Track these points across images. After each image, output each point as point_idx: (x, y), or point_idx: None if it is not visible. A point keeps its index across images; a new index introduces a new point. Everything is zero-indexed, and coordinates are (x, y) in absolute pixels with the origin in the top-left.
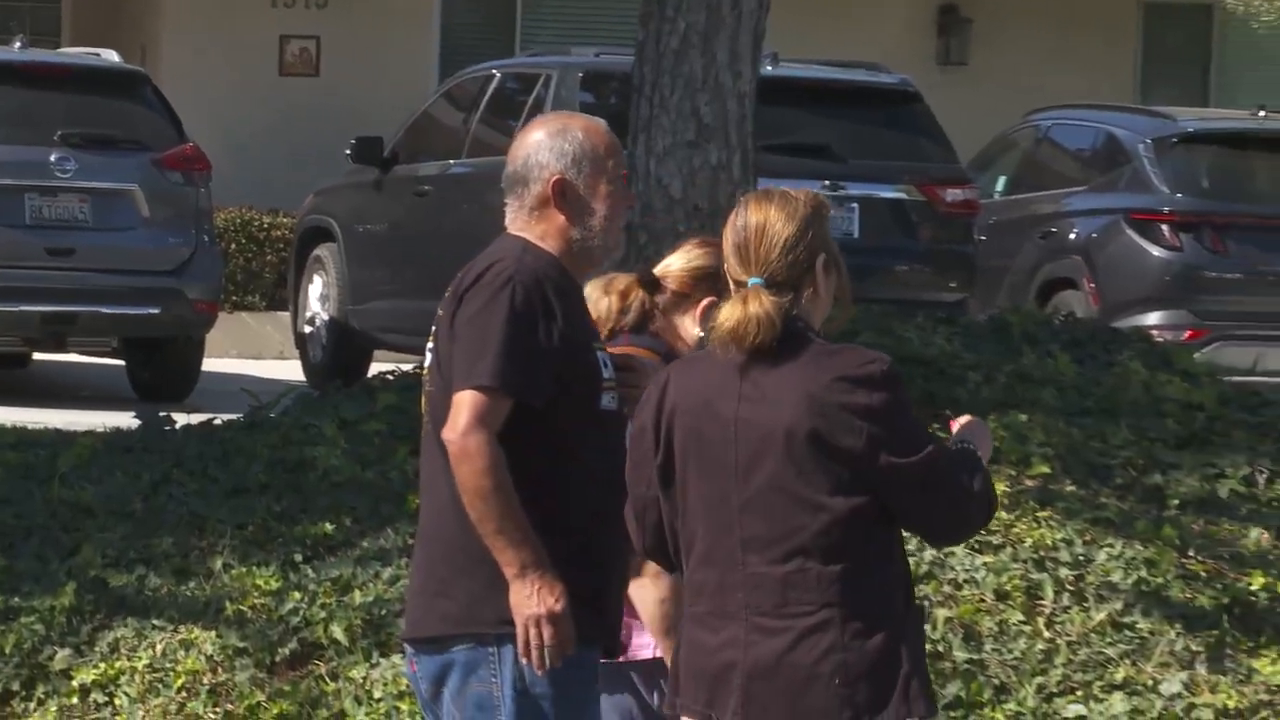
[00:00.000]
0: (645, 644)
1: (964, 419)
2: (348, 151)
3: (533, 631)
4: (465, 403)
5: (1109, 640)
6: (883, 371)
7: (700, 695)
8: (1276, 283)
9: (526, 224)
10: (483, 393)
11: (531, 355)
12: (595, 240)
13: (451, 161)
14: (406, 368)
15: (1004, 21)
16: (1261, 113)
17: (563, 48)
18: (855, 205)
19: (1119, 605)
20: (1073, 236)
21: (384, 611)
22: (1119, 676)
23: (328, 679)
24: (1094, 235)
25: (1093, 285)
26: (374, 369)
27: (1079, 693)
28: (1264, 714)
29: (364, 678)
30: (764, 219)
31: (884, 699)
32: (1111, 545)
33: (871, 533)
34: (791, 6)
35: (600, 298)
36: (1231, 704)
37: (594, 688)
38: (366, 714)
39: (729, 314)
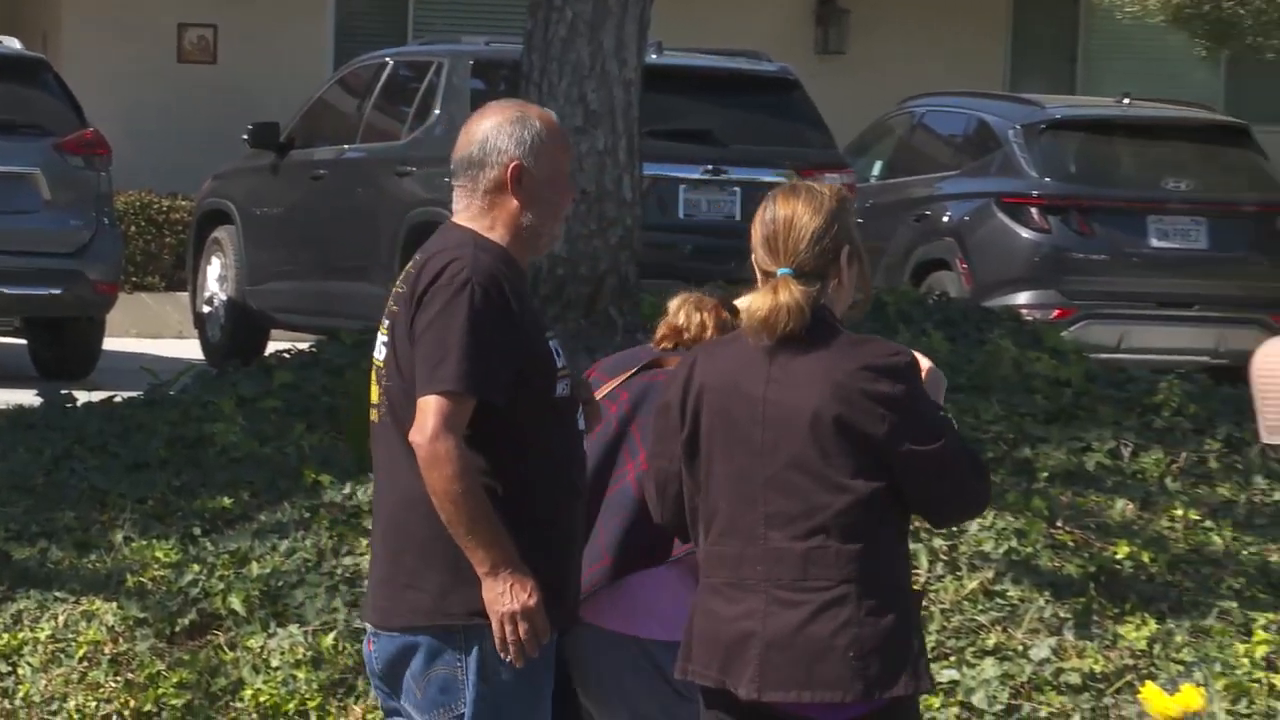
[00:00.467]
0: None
1: (924, 365)
2: (245, 137)
3: (508, 628)
4: (431, 408)
5: (981, 608)
6: (906, 363)
7: (714, 663)
8: (1141, 263)
9: (478, 212)
10: (447, 397)
11: (493, 354)
12: (544, 229)
13: (346, 146)
14: (303, 347)
15: (880, 13)
16: (1126, 100)
17: (454, 36)
18: (737, 189)
19: (990, 574)
20: (946, 219)
21: (281, 583)
22: (990, 642)
23: (226, 649)
24: (966, 218)
25: (965, 266)
26: (271, 348)
27: (952, 658)
28: (1129, 678)
29: (261, 647)
30: (792, 212)
31: (894, 672)
32: (984, 517)
33: (887, 515)
34: None
35: (692, 312)
36: (1098, 668)
37: (551, 669)
38: (264, 682)
39: (760, 303)
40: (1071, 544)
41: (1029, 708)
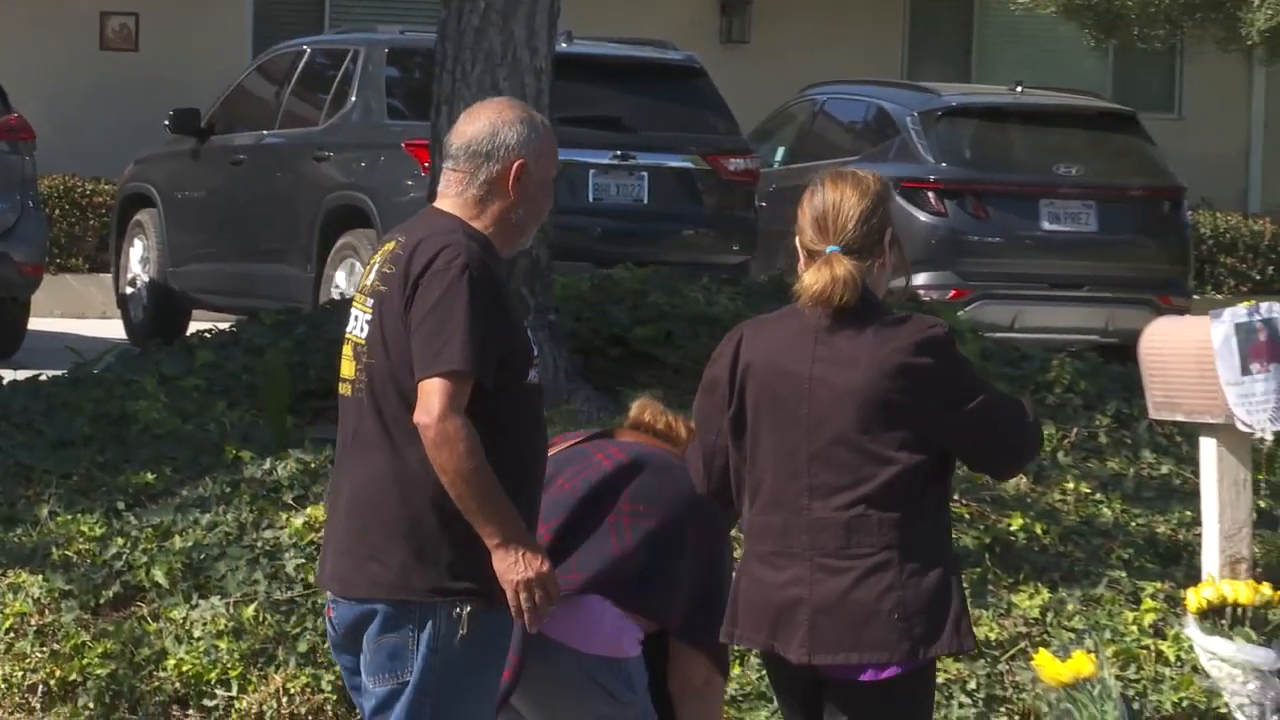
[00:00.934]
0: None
1: None
2: (166, 122)
3: (523, 595)
4: (437, 389)
5: None
6: (943, 334)
7: (762, 628)
8: (1033, 246)
9: (470, 201)
10: (452, 379)
11: (487, 337)
12: (528, 228)
13: (265, 132)
14: (223, 327)
15: (782, 3)
16: (1019, 88)
17: (369, 25)
18: (644, 174)
19: None
20: None
21: (203, 556)
22: None
23: (149, 619)
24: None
25: None
26: (192, 328)
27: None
28: (1022, 645)
29: (184, 618)
30: (840, 195)
31: (937, 632)
32: None
33: (928, 485)
34: None
35: (659, 413)
36: (993, 635)
37: (505, 646)
38: (186, 652)
39: (815, 278)
40: (968, 516)
41: None
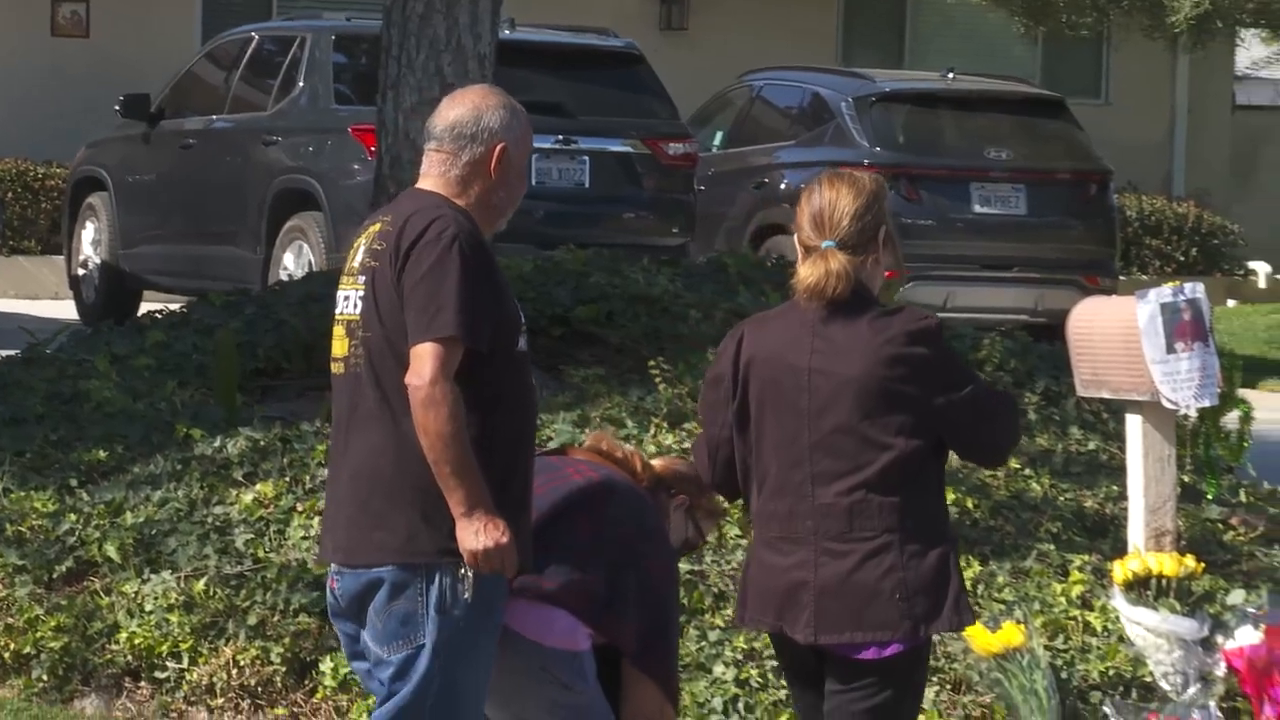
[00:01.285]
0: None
1: None
2: (117, 107)
3: (482, 563)
4: (429, 353)
5: None
6: (934, 326)
7: (769, 610)
8: (964, 228)
9: (454, 180)
10: (443, 344)
11: (480, 305)
12: (506, 209)
13: (214, 117)
14: (174, 307)
15: None
16: (950, 75)
17: (316, 12)
18: (586, 158)
19: None
20: (783, 186)
21: (154, 531)
22: None
23: (102, 594)
24: (802, 185)
25: None
26: (143, 309)
27: None
28: None
29: (136, 592)
30: (836, 194)
31: (937, 611)
32: None
33: (925, 468)
34: None
35: (614, 445)
36: None
37: (502, 606)
38: (138, 625)
39: (810, 272)
40: None
41: None
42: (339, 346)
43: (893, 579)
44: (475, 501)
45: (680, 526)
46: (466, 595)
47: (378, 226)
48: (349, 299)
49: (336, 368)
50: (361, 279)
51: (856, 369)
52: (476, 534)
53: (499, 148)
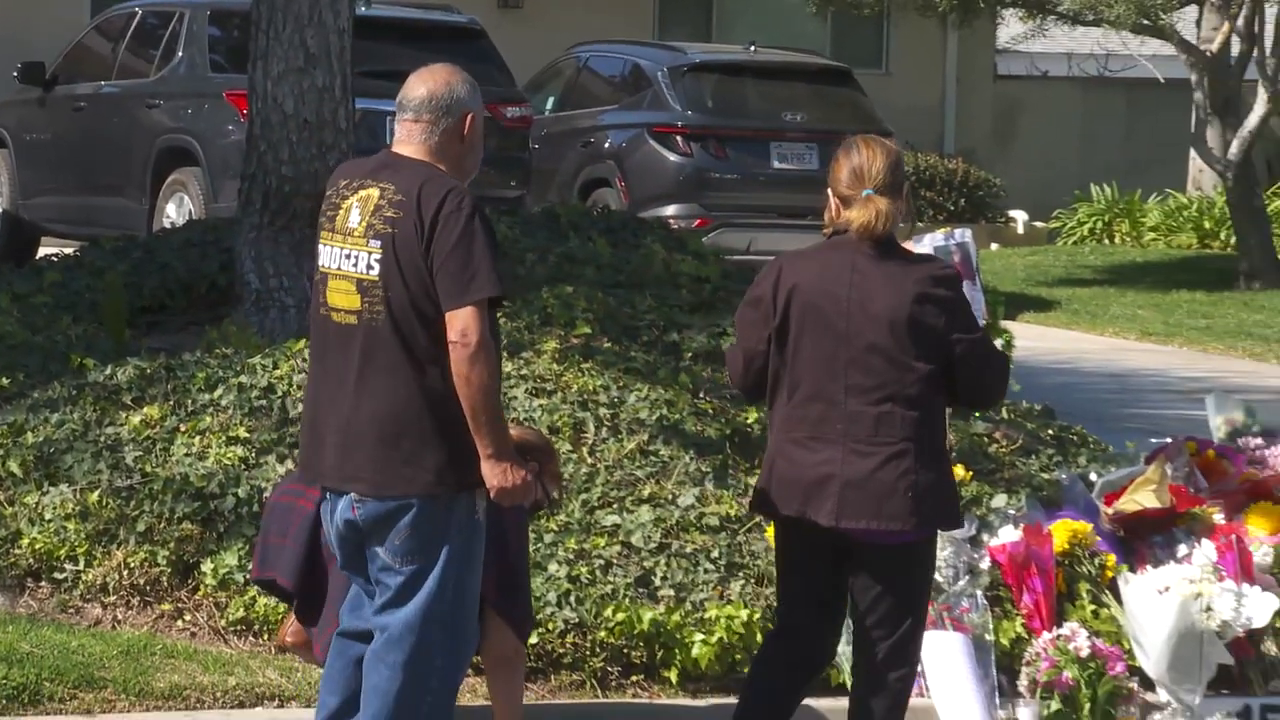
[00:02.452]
0: None
1: None
2: (15, 74)
3: (506, 499)
4: (471, 315)
5: (638, 464)
6: (954, 274)
7: (795, 499)
8: (765, 182)
9: (432, 148)
10: (481, 306)
11: (499, 262)
12: (473, 170)
13: (103, 83)
14: (68, 251)
15: None
16: (752, 48)
17: None
18: None
19: (645, 436)
20: (607, 145)
21: (52, 449)
22: (646, 492)
23: (6, 505)
24: (623, 144)
25: (623, 184)
26: (41, 253)
27: (614, 506)
28: (757, 519)
29: (36, 503)
30: (873, 152)
31: (939, 511)
32: (640, 389)
33: (937, 393)
34: None
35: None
36: (732, 512)
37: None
38: (39, 532)
39: (860, 213)
40: (711, 411)
41: (677, 545)
42: (347, 300)
43: (907, 480)
44: (502, 445)
45: (531, 489)
46: (479, 517)
47: (375, 191)
48: (353, 258)
49: (344, 319)
50: (375, 243)
51: (890, 302)
52: (504, 474)
53: (469, 117)
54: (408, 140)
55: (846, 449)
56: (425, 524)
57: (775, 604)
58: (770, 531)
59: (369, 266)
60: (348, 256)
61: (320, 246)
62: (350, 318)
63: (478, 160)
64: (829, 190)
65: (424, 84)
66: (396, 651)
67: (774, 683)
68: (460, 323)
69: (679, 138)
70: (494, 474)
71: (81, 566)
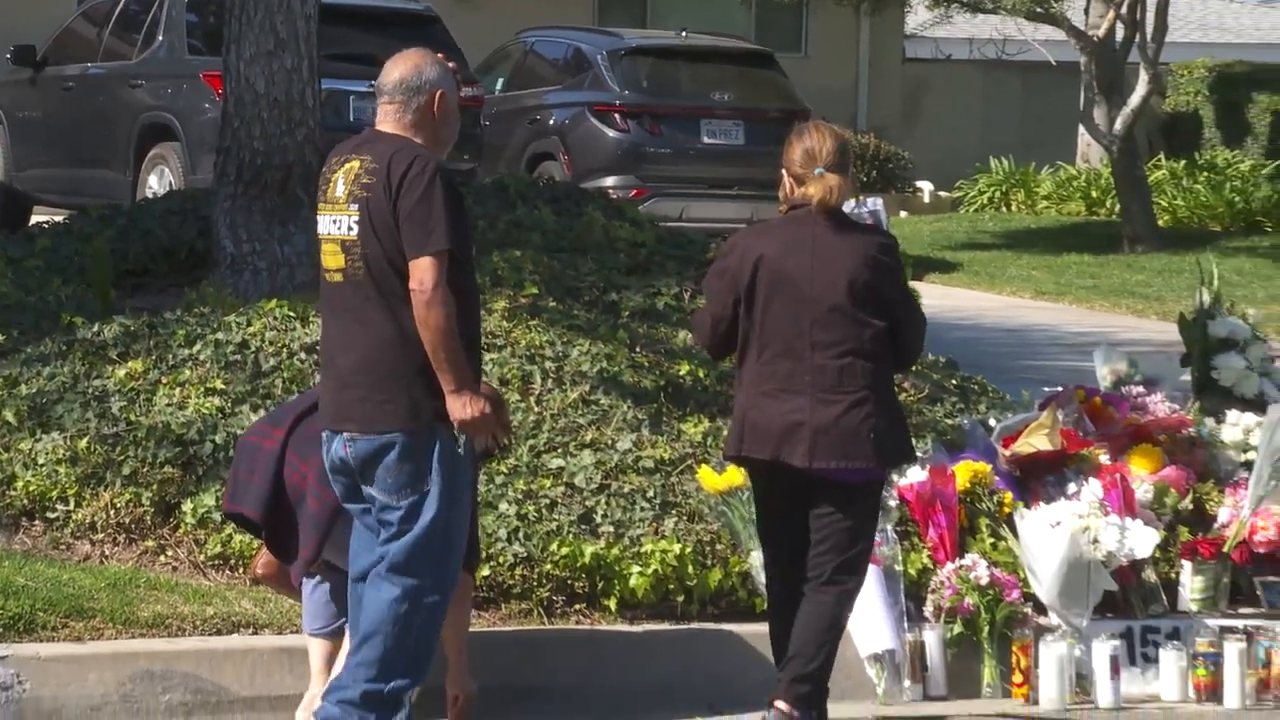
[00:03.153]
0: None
1: None
2: (8, 55)
3: (469, 429)
4: (429, 264)
5: (580, 413)
6: (896, 243)
7: (769, 444)
8: (696, 155)
9: (407, 124)
10: (438, 256)
11: (457, 221)
12: (448, 142)
13: (89, 65)
14: (59, 219)
15: None
16: (684, 33)
17: None
18: None
19: (587, 387)
20: (552, 123)
21: (44, 400)
22: (588, 438)
23: (2, 450)
24: (566, 121)
25: (566, 158)
26: (34, 220)
27: (559, 450)
28: (689, 462)
29: (30, 449)
30: (823, 136)
31: (897, 450)
32: (582, 344)
33: (886, 345)
34: None
35: None
36: (667, 455)
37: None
38: (32, 475)
39: (817, 189)
40: (647, 364)
41: (616, 486)
42: (335, 260)
43: (869, 424)
44: (463, 380)
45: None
46: (460, 450)
47: (356, 163)
48: (338, 222)
49: (333, 277)
50: (354, 206)
51: (848, 266)
52: (464, 406)
53: (438, 94)
54: (385, 119)
55: (814, 399)
56: (410, 459)
57: (702, 539)
58: (702, 473)
59: (349, 228)
60: (334, 222)
61: (317, 216)
62: (338, 275)
63: (453, 131)
64: (783, 170)
65: (396, 68)
66: (395, 570)
67: (784, 594)
68: (419, 272)
69: (617, 115)
70: (455, 406)
71: (72, 507)
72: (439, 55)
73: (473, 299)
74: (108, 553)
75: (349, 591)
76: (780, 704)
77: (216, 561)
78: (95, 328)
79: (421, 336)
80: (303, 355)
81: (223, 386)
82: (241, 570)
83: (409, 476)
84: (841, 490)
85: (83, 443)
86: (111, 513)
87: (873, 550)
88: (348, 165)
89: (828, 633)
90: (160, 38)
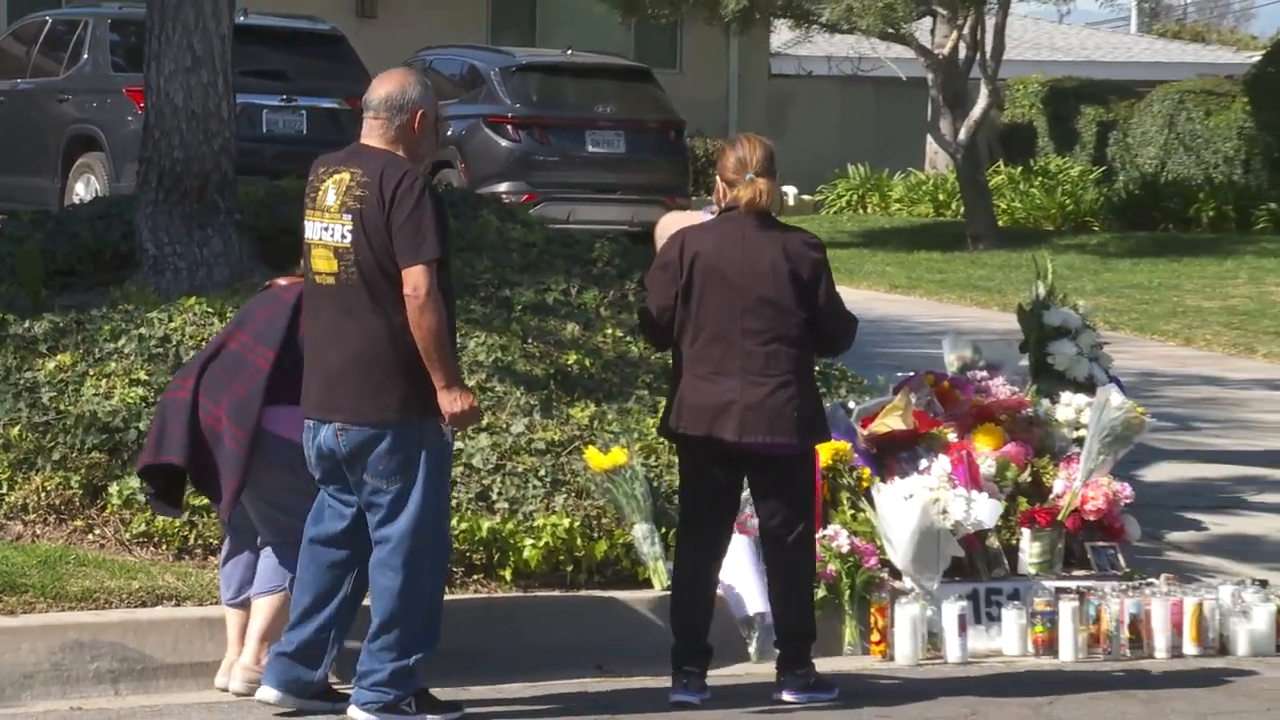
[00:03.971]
0: None
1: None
2: None
3: (457, 423)
4: (422, 272)
5: (478, 399)
6: (820, 241)
7: (703, 421)
8: (581, 163)
9: (390, 140)
10: (430, 264)
11: (443, 230)
12: (427, 155)
13: (19, 80)
14: None
15: None
16: (569, 51)
17: (96, 2)
18: (304, 112)
19: (484, 375)
20: (449, 133)
21: None
22: (484, 422)
23: None
24: (463, 132)
25: (463, 165)
26: None
27: (458, 434)
28: (577, 444)
29: None
30: (753, 145)
31: (818, 429)
32: (479, 336)
33: (809, 333)
34: None
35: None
36: (557, 437)
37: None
38: None
39: (748, 192)
40: (538, 354)
41: (510, 466)
42: (327, 265)
43: (793, 404)
44: (452, 378)
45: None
46: (447, 439)
47: (347, 175)
48: (330, 230)
49: (325, 280)
50: (347, 216)
51: (775, 261)
52: (454, 401)
53: (419, 113)
54: (370, 133)
55: (744, 380)
56: (400, 448)
57: (589, 514)
58: (589, 454)
59: (343, 236)
60: (326, 229)
61: (305, 222)
62: (329, 279)
63: (431, 147)
64: (717, 177)
65: (383, 86)
66: (395, 557)
67: (689, 569)
68: (413, 279)
69: (509, 126)
70: (446, 401)
71: (5, 490)
72: (423, 77)
73: (451, 298)
74: (39, 532)
75: (302, 551)
76: (788, 694)
77: (141, 539)
78: (26, 324)
79: (415, 337)
80: None
81: (146, 378)
82: (165, 547)
83: (399, 464)
84: (769, 465)
85: (15, 430)
86: (42, 495)
87: (815, 527)
88: (337, 176)
89: (803, 584)
90: (85, 55)
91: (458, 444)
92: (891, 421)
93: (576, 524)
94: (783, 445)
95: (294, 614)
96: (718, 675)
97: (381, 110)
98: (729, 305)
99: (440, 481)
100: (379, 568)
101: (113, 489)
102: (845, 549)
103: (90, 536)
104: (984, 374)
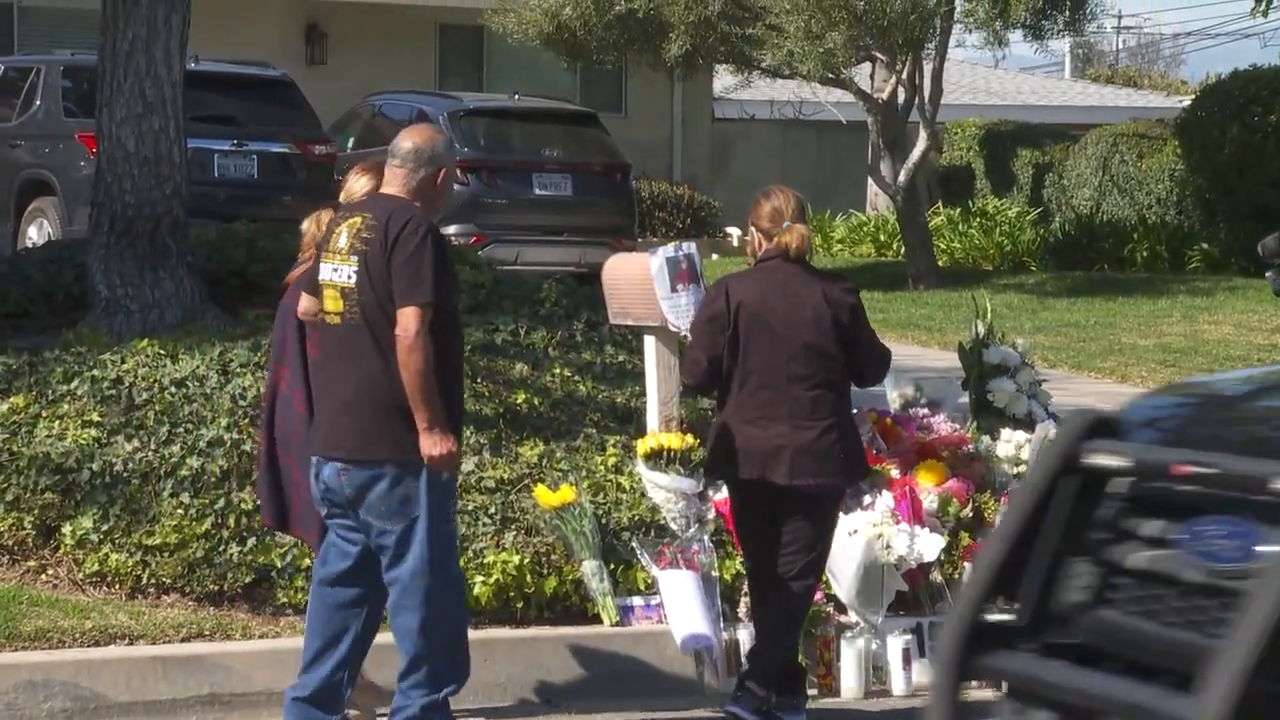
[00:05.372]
0: None
1: None
2: None
3: (436, 464)
4: (413, 314)
5: None
6: (856, 287)
7: (755, 465)
8: (529, 205)
9: (411, 190)
10: (422, 308)
11: (442, 277)
12: (442, 206)
13: None
14: None
15: (349, 35)
16: (516, 96)
17: (48, 49)
18: (255, 156)
19: None
20: None
21: None
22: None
23: None
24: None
25: None
26: None
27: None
28: (526, 481)
29: None
30: (786, 196)
31: (858, 468)
32: None
33: (848, 375)
34: (200, 23)
35: (310, 226)
36: (506, 475)
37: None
38: None
39: (792, 238)
40: (487, 393)
41: (461, 503)
42: (334, 304)
43: (839, 446)
44: (435, 420)
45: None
46: (445, 477)
47: (359, 220)
48: (339, 270)
49: (332, 319)
50: (354, 258)
51: (818, 308)
52: (435, 444)
53: (442, 171)
54: (392, 182)
55: (792, 425)
56: (400, 486)
57: (539, 550)
58: (538, 491)
59: (349, 277)
60: (335, 270)
61: (320, 264)
62: (336, 318)
63: (447, 201)
64: (752, 227)
65: (411, 139)
66: (410, 597)
67: (769, 612)
68: (404, 320)
69: (457, 170)
70: (427, 443)
71: None
72: (448, 135)
73: (455, 339)
74: None
75: (311, 594)
76: (734, 711)
77: (94, 579)
78: None
79: (402, 377)
80: (173, 389)
81: (99, 419)
82: (118, 587)
83: (399, 502)
84: (810, 503)
85: None
86: None
87: (829, 552)
88: (351, 220)
89: (787, 626)
90: (38, 102)
91: None
92: None
93: (526, 561)
94: (830, 484)
95: (306, 657)
96: (665, 708)
97: (408, 160)
98: (775, 352)
99: (444, 517)
100: (396, 610)
101: (66, 529)
102: None
103: (43, 577)
104: (926, 411)
